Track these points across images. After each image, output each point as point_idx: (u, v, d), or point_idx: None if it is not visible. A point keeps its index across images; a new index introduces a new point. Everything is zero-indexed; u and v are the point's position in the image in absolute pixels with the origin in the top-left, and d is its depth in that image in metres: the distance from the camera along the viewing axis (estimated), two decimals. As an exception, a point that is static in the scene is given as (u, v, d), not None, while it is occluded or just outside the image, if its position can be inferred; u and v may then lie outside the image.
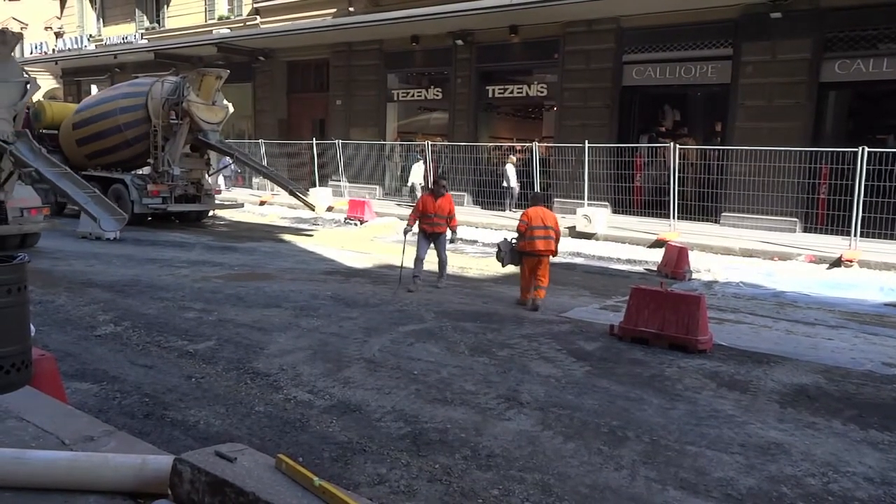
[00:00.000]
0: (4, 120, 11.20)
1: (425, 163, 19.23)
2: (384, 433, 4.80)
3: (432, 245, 9.98)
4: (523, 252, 8.99)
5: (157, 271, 10.63)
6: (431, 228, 9.81)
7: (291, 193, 17.20)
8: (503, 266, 9.64)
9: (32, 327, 4.46)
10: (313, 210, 18.30)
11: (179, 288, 9.48)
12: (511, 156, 18.51)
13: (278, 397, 5.46)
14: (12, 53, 11.90)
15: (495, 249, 9.83)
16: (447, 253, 10.21)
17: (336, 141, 21.51)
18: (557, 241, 9.05)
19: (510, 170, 18.09)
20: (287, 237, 15.44)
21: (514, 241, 9.21)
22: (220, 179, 22.57)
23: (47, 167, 11.48)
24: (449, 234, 9.98)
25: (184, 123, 15.77)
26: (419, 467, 4.28)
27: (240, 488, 2.39)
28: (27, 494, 2.78)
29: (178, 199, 16.12)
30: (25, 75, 11.89)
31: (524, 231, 8.91)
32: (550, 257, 9.04)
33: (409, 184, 19.73)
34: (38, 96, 20.10)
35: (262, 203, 21.75)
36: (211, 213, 18.13)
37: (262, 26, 25.28)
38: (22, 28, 36.65)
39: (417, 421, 5.02)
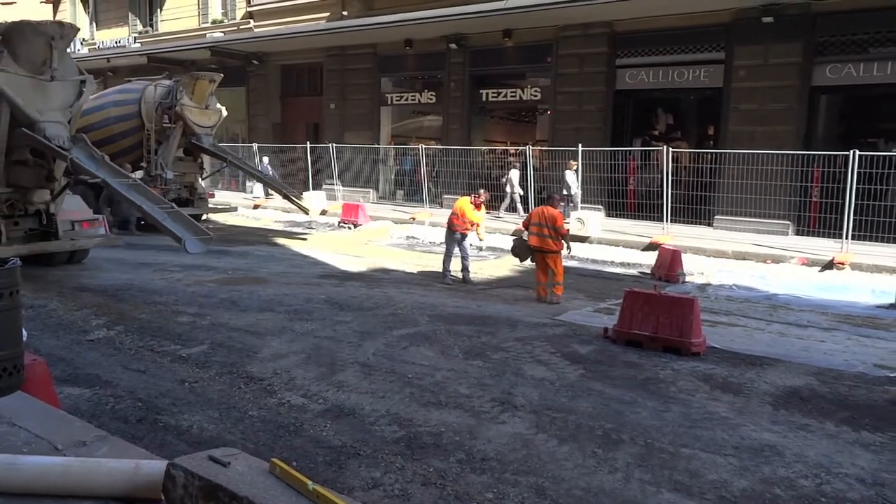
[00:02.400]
0: (59, 123, 9.73)
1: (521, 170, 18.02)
2: (378, 437, 4.79)
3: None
4: (533, 248, 9.66)
5: (150, 275, 10.60)
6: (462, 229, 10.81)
7: (285, 197, 17.19)
8: (521, 262, 10.47)
9: (24, 332, 4.44)
10: (307, 213, 18.23)
11: (173, 292, 9.45)
12: (515, 162, 18.20)
13: (272, 401, 5.44)
14: (68, 49, 10.56)
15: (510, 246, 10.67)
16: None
17: (330, 145, 21.49)
18: (558, 237, 9.48)
19: (515, 175, 17.81)
20: (281, 241, 15.42)
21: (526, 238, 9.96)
22: (259, 187, 22.12)
23: (114, 177, 9.87)
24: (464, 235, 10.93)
25: (177, 127, 15.74)
26: (413, 471, 4.28)
27: (233, 493, 2.38)
28: (20, 500, 2.76)
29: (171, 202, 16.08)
30: (82, 73, 10.40)
31: (525, 227, 9.86)
32: (561, 253, 9.64)
33: (511, 192, 17.99)
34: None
35: (255, 207, 21.71)
36: (204, 217, 18.08)
37: (255, 30, 25.25)
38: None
39: (412, 424, 5.01)
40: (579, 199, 17.02)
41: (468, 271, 10.92)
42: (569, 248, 10.02)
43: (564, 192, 16.87)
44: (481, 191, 11.19)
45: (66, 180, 10.37)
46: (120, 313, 8.15)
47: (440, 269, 11.00)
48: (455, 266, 10.98)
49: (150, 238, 14.92)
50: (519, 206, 17.86)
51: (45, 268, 10.78)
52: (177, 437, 4.73)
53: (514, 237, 10.40)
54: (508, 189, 17.94)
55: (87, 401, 5.36)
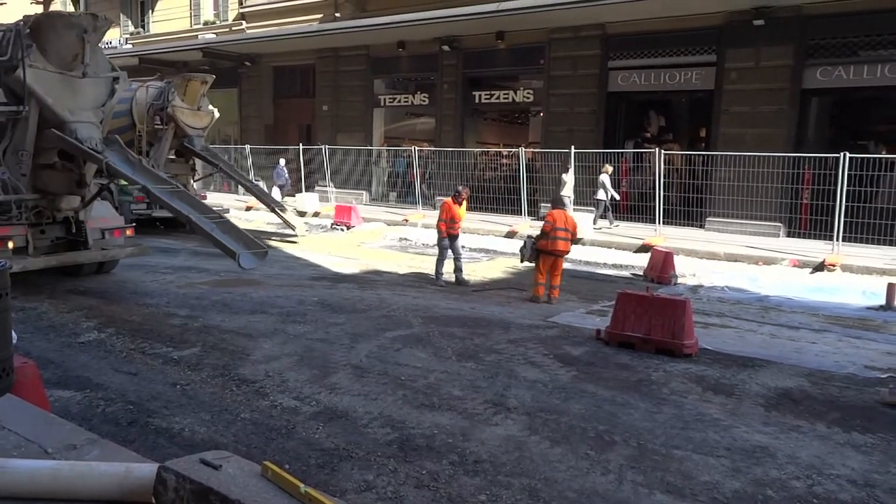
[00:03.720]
0: (91, 124, 8.88)
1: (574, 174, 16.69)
2: (371, 439, 4.78)
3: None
4: (544, 251, 9.61)
5: (142, 277, 10.55)
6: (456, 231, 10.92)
7: (273, 211, 16.92)
8: (521, 262, 10.50)
9: (14, 334, 4.40)
10: (294, 231, 16.70)
11: (164, 294, 9.41)
12: (607, 165, 16.23)
13: (264, 404, 5.42)
14: (100, 44, 9.67)
15: (520, 244, 10.56)
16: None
17: (323, 146, 21.47)
18: (573, 240, 9.95)
19: (606, 179, 16.09)
20: (273, 243, 15.37)
21: (534, 239, 9.89)
22: (276, 191, 21.02)
23: (154, 183, 8.75)
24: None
25: (168, 129, 15.66)
26: (406, 473, 4.27)
27: (225, 496, 2.36)
28: (8, 504, 2.74)
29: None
30: (114, 69, 9.58)
31: (549, 231, 9.55)
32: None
33: (606, 199, 16.37)
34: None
35: (248, 209, 21.64)
36: None
37: (247, 31, 25.20)
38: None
39: (404, 427, 5.01)
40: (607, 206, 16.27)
41: (461, 272, 10.94)
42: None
43: (597, 197, 16.16)
44: (460, 188, 11.29)
45: (98, 186, 9.71)
46: (111, 315, 8.11)
47: (433, 272, 11.01)
48: (447, 267, 11.01)
49: (141, 240, 14.83)
50: (610, 213, 16.44)
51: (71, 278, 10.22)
52: (168, 440, 4.70)
53: (528, 238, 10.23)
54: (602, 195, 16.14)
55: (78, 403, 5.32)
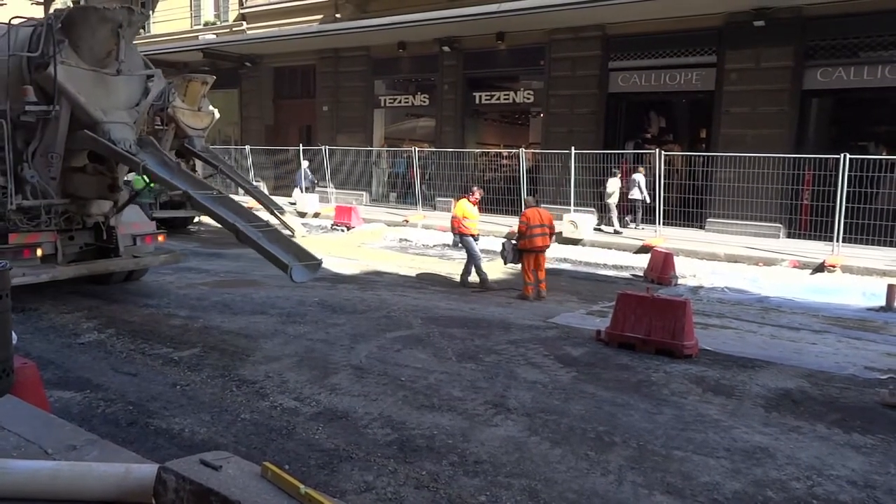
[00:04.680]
0: (126, 125, 8.35)
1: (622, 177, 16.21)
2: (371, 440, 4.78)
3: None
4: (525, 249, 9.94)
5: (142, 278, 10.55)
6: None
7: (272, 213, 16.87)
8: (505, 264, 10.65)
9: (14, 335, 4.41)
10: (293, 233, 17.26)
11: (164, 295, 9.41)
12: (615, 171, 15.98)
13: (264, 405, 5.43)
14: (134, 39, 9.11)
15: (499, 249, 10.71)
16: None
17: (323, 147, 21.47)
18: (552, 235, 10.21)
19: (641, 180, 15.69)
20: (273, 243, 15.35)
21: (514, 241, 10.27)
22: (298, 192, 21.13)
23: (194, 187, 8.02)
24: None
25: (169, 129, 15.64)
26: (406, 474, 4.27)
27: (225, 497, 2.37)
28: (8, 505, 2.74)
29: (163, 205, 15.96)
30: (148, 66, 9.09)
31: (525, 231, 9.88)
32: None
33: (642, 199, 15.84)
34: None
35: (249, 209, 21.63)
36: (196, 220, 17.99)
37: (248, 32, 25.20)
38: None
39: (404, 427, 5.01)
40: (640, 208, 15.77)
41: (468, 274, 10.90)
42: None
43: (632, 196, 15.75)
44: (474, 188, 11.29)
45: (132, 191, 9.08)
46: (111, 316, 8.11)
47: (434, 272, 11.01)
48: (448, 267, 10.99)
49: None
50: (614, 217, 15.94)
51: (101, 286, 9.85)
52: (168, 440, 4.71)
53: (505, 241, 10.58)
54: (637, 194, 15.74)
55: (78, 404, 5.32)
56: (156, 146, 8.64)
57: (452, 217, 10.99)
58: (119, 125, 8.24)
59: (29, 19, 8.30)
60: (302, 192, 21.03)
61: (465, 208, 10.72)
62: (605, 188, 15.84)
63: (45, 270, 8.18)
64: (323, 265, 12.32)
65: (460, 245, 11.05)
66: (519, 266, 10.27)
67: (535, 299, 9.82)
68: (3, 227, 8.09)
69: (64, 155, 8.30)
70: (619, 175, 15.81)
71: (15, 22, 8.16)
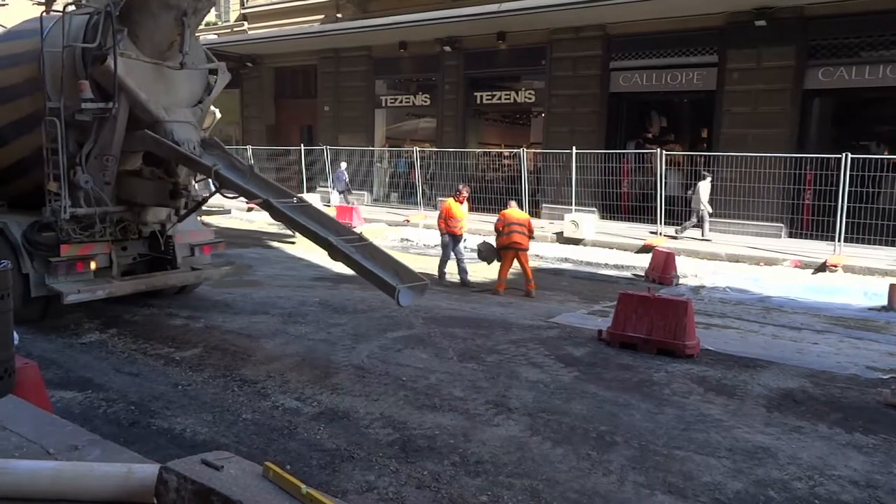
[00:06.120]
0: (189, 124, 7.58)
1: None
2: (372, 440, 4.78)
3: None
4: (502, 247, 10.27)
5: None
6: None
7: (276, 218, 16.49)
8: (489, 264, 10.75)
9: (16, 335, 4.41)
10: (293, 242, 15.61)
11: (165, 295, 9.41)
12: (705, 172, 14.57)
13: (266, 404, 5.43)
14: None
15: (475, 251, 11.05)
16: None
17: (324, 147, 21.47)
18: (530, 237, 10.37)
19: (704, 188, 14.41)
20: (274, 243, 15.38)
21: (491, 243, 10.62)
22: (336, 196, 20.22)
23: (275, 196, 7.20)
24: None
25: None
26: (408, 474, 4.27)
27: (226, 497, 2.37)
28: (10, 505, 2.74)
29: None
30: (211, 60, 8.27)
31: (501, 228, 10.26)
32: (527, 252, 10.40)
33: (699, 208, 14.57)
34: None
35: (249, 209, 21.64)
36: (197, 219, 17.97)
37: (249, 32, 25.22)
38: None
39: (406, 427, 5.01)
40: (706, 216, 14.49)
41: (466, 273, 10.95)
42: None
43: (695, 205, 14.53)
44: (461, 186, 11.47)
45: (198, 197, 8.38)
46: (112, 316, 8.11)
47: (435, 272, 11.04)
48: (451, 268, 11.01)
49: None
50: (706, 224, 14.57)
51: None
52: (170, 440, 4.71)
53: (480, 243, 10.96)
54: (695, 204, 14.58)
55: (80, 404, 5.33)
56: (222, 148, 7.82)
57: (438, 217, 11.20)
58: (182, 125, 7.51)
59: (83, 4, 7.36)
60: (338, 195, 20.21)
61: (452, 208, 10.93)
62: (693, 192, 14.59)
63: (100, 286, 7.42)
64: (323, 265, 12.41)
65: (443, 246, 11.21)
66: (511, 268, 10.50)
67: (525, 296, 10.09)
68: (54, 237, 7.28)
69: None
70: (711, 178, 14.41)
71: (70, 9, 7.29)
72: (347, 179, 20.40)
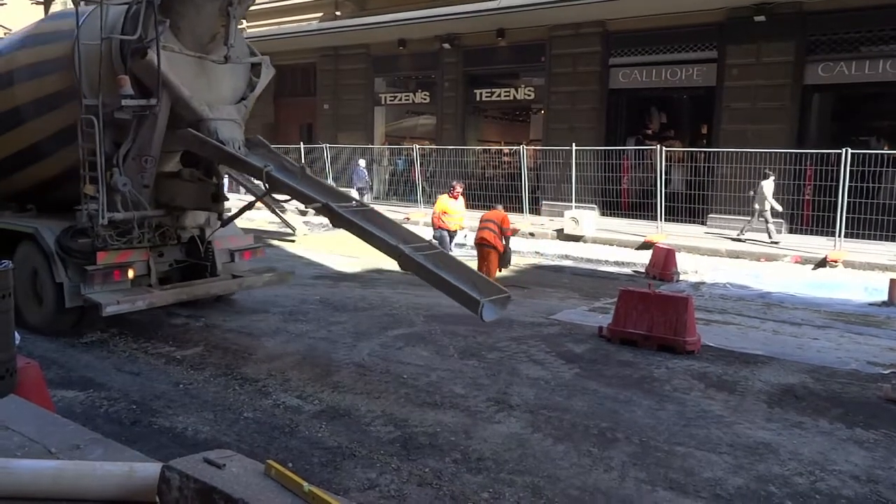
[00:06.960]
0: (234, 122, 7.09)
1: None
2: (374, 437, 4.79)
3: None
4: (475, 245, 10.34)
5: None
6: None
7: (273, 212, 16.67)
8: (501, 270, 10.56)
9: (17, 335, 4.41)
10: (293, 233, 16.07)
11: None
12: (767, 171, 13.71)
13: (267, 403, 5.43)
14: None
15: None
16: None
17: (324, 145, 21.46)
18: (504, 237, 10.07)
19: (767, 187, 13.54)
20: (275, 242, 15.38)
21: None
22: (355, 193, 19.24)
23: (334, 199, 6.65)
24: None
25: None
26: (409, 471, 4.28)
27: (228, 495, 2.37)
28: (12, 504, 2.75)
29: None
30: (254, 53, 7.78)
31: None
32: (496, 251, 10.03)
33: (761, 209, 13.73)
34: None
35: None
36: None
37: (248, 30, 25.17)
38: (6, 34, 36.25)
39: (407, 425, 5.01)
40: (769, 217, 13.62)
41: None
42: (507, 263, 10.44)
43: (758, 206, 13.71)
44: (455, 183, 11.63)
45: (247, 205, 7.90)
46: (113, 315, 8.09)
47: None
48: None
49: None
50: (771, 225, 13.71)
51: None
52: (171, 439, 4.71)
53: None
54: (759, 204, 13.72)
55: (81, 403, 5.33)
56: (269, 147, 7.27)
57: (433, 213, 11.33)
58: (227, 123, 6.99)
59: None
60: (356, 193, 19.15)
61: (445, 204, 11.08)
62: (755, 192, 13.84)
63: (140, 296, 6.91)
64: (324, 263, 12.41)
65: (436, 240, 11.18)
66: (512, 265, 10.68)
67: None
68: (90, 244, 6.82)
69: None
70: (773, 177, 13.60)
71: None
72: (367, 178, 19.92)
